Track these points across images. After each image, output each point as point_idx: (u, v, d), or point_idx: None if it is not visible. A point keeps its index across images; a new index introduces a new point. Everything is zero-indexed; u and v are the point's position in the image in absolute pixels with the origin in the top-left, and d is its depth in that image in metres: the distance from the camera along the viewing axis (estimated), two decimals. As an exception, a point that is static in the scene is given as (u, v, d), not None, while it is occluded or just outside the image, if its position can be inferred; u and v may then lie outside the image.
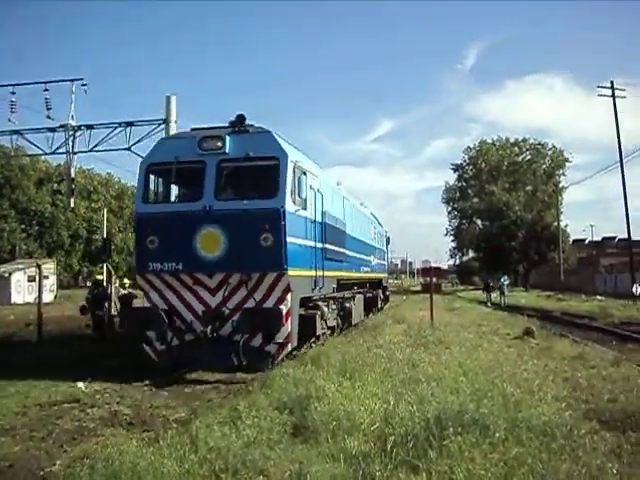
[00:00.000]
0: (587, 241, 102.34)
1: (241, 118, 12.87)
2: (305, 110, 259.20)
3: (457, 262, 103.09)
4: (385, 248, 32.78)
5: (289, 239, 12.16)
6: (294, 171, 12.67)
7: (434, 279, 23.08)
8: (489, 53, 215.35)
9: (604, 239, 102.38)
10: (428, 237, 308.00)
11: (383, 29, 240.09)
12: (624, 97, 43.76)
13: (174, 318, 12.36)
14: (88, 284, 27.28)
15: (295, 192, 12.66)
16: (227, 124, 12.98)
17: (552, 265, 76.64)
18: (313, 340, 13.85)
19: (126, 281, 23.92)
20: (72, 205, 26.40)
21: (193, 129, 13.49)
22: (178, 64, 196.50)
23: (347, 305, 17.68)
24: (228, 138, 12.58)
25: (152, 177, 13.45)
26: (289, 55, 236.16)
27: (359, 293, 20.89)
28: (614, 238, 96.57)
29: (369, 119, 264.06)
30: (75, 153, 23.82)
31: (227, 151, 12.56)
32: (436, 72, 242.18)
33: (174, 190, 14.29)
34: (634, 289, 35.95)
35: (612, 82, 43.20)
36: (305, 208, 13.29)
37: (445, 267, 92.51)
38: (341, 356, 11.09)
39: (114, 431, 7.70)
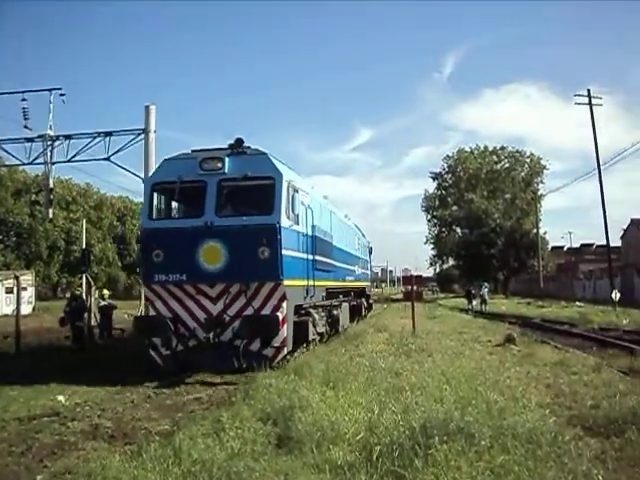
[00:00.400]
0: (566, 248, 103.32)
1: (239, 141, 13.74)
2: (284, 118, 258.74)
3: (437, 270, 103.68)
4: (368, 258, 33.91)
5: (284, 252, 13.16)
6: (288, 190, 13.61)
7: (415, 287, 23.15)
8: (467, 62, 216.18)
9: (582, 246, 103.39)
10: (408, 245, 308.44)
11: (363, 36, 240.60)
12: (601, 105, 44.27)
13: (178, 325, 13.23)
14: (67, 295, 26.97)
15: (289, 209, 13.63)
16: (226, 146, 13.82)
17: (532, 272, 77.22)
18: (305, 345, 14.71)
19: (105, 292, 23.79)
20: (50, 216, 26.20)
21: (193, 150, 14.19)
22: (154, 73, 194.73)
23: (335, 312, 18.57)
24: (227, 159, 13.52)
25: (157, 195, 14.40)
26: (269, 62, 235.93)
27: (345, 301, 21.80)
28: (592, 245, 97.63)
29: (348, 128, 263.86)
30: (54, 163, 23.60)
31: (226, 171, 13.47)
32: (415, 80, 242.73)
33: (178, 207, 15.27)
34: (613, 295, 36.18)
35: (589, 90, 43.61)
36: (298, 223, 14.35)
37: (427, 275, 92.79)
38: (324, 365, 11.08)
39: (95, 444, 7.60)
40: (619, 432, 6.85)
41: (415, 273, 28.50)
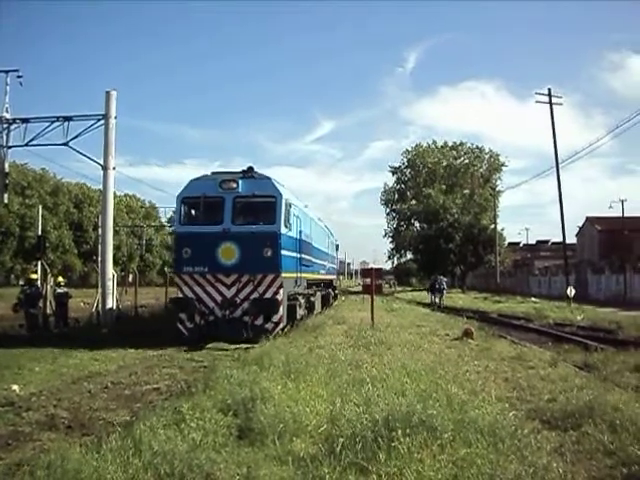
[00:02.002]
0: (522, 244, 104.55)
1: (250, 168, 18.21)
2: (247, 110, 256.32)
3: (395, 263, 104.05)
4: (335, 254, 40.41)
5: (282, 252, 17.68)
6: (285, 205, 18.11)
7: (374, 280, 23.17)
8: (428, 57, 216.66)
9: (538, 242, 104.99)
10: (366, 238, 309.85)
11: (328, 30, 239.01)
12: (561, 104, 44.84)
13: (200, 305, 17.48)
14: (21, 282, 26.42)
15: (286, 220, 18.20)
16: (240, 171, 18.20)
17: (488, 267, 78.06)
18: (292, 323, 19.18)
19: (61, 279, 23.31)
20: (5, 201, 25.51)
21: (214, 173, 18.98)
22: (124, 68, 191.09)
23: (312, 299, 23.64)
24: (240, 181, 17.85)
25: (185, 207, 18.59)
26: (237, 55, 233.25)
27: (319, 291, 26.97)
28: (548, 241, 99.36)
29: (310, 119, 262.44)
30: (9, 147, 22.94)
31: (240, 190, 17.79)
32: (378, 74, 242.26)
33: (202, 216, 18.37)
34: (568, 291, 36.83)
35: (549, 89, 44.07)
36: (291, 230, 19.02)
37: (385, 268, 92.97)
38: (284, 357, 11.03)
39: (52, 435, 7.47)
40: (576, 426, 6.96)
41: (374, 266, 28.79)
